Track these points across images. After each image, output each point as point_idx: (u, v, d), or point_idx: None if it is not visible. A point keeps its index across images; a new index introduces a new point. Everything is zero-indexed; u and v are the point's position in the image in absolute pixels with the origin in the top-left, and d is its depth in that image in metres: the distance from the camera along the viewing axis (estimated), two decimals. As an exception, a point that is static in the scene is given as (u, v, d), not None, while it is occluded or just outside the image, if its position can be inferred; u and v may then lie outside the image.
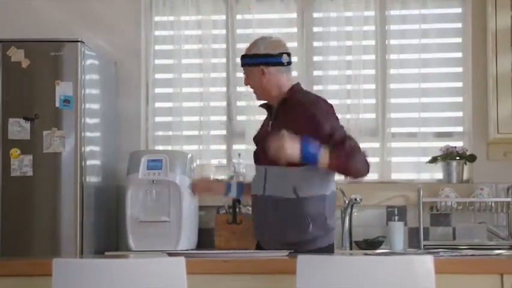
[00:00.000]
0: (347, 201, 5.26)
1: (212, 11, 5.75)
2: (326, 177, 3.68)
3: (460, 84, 5.63)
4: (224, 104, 5.74)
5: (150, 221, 5.07)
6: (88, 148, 5.06)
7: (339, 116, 5.45)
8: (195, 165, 5.40)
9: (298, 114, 3.66)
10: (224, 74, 5.74)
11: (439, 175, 5.55)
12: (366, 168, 3.64)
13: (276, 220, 3.66)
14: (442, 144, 5.48)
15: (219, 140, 5.75)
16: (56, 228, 4.93)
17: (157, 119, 5.79)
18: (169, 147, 5.66)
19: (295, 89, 3.80)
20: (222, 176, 5.62)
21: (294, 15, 5.73)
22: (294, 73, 5.61)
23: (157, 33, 5.81)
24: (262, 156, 3.73)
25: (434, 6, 5.62)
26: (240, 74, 3.88)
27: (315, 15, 5.72)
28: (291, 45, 5.66)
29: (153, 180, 5.10)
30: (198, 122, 5.73)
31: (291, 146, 3.45)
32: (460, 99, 5.62)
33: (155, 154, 5.19)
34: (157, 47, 5.80)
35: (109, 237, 5.43)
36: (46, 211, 4.93)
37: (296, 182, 3.63)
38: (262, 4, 5.75)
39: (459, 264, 2.94)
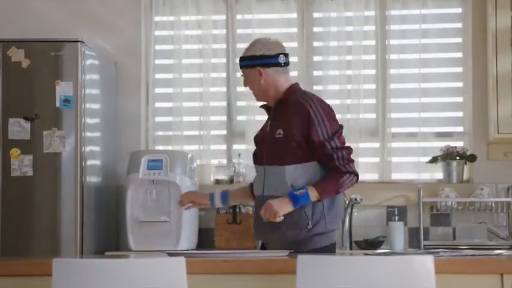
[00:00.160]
0: (347, 201, 5.26)
1: (212, 11, 5.75)
2: (322, 173, 3.69)
3: (460, 84, 5.63)
4: (224, 104, 5.74)
5: (150, 221, 5.07)
6: (88, 148, 5.06)
7: (339, 116, 5.51)
8: (195, 165, 5.40)
9: (293, 113, 3.69)
10: (224, 74, 5.74)
11: (439, 175, 5.55)
12: (354, 179, 3.70)
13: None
14: (442, 144, 5.48)
15: (219, 140, 5.75)
16: (56, 228, 4.93)
17: (158, 119, 5.79)
18: (170, 147, 5.66)
19: (293, 88, 3.81)
20: (223, 176, 5.62)
21: (294, 15, 5.73)
22: (294, 73, 5.65)
23: (157, 33, 5.81)
24: (260, 156, 3.75)
25: (435, 6, 5.62)
26: (240, 74, 3.89)
27: (315, 15, 5.72)
28: (291, 45, 5.69)
29: (153, 180, 5.10)
30: (198, 122, 5.73)
31: (281, 208, 3.59)
32: (460, 99, 5.62)
33: (155, 154, 5.19)
34: (157, 47, 5.80)
35: (109, 237, 5.43)
36: (46, 211, 4.93)
37: (293, 180, 3.65)
38: (262, 4, 5.75)
39: (459, 264, 2.94)
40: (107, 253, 5.09)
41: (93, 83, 5.23)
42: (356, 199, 5.22)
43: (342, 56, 5.64)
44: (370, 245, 5.26)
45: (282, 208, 3.60)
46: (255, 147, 3.89)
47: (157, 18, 5.80)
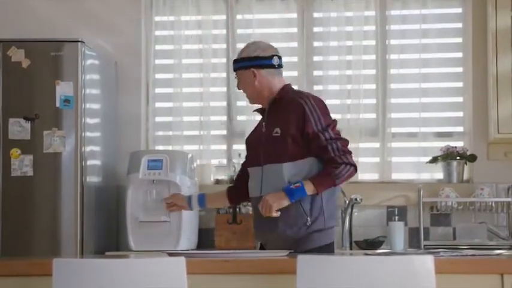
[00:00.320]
0: (347, 201, 5.26)
1: (212, 11, 5.76)
2: (320, 169, 3.69)
3: (460, 84, 5.63)
4: (224, 104, 5.74)
5: (150, 221, 5.07)
6: (88, 148, 5.06)
7: (339, 116, 5.53)
8: (195, 165, 5.40)
9: (290, 111, 3.72)
10: (224, 74, 5.74)
11: (439, 175, 5.55)
12: (352, 170, 3.69)
13: (274, 218, 3.66)
14: (442, 144, 5.48)
15: (219, 140, 5.75)
16: (56, 228, 4.93)
17: (158, 119, 5.79)
18: (170, 147, 5.66)
19: (287, 88, 3.86)
20: (223, 176, 5.62)
21: (294, 15, 5.73)
22: (294, 73, 5.66)
23: (157, 33, 5.81)
24: (256, 157, 3.77)
25: (435, 6, 5.62)
26: (234, 77, 3.91)
27: (315, 15, 5.72)
28: (291, 45, 5.70)
29: (154, 180, 5.10)
30: (198, 122, 5.73)
31: (276, 201, 3.60)
32: (460, 99, 5.62)
33: (155, 154, 5.19)
34: (157, 47, 5.80)
35: (109, 237, 5.43)
36: (46, 211, 4.93)
37: (291, 177, 3.66)
38: (262, 4, 5.75)
39: (459, 264, 2.94)
40: (107, 253, 5.09)
41: (93, 83, 5.23)
42: (356, 199, 5.22)
43: (342, 56, 5.64)
44: (370, 245, 5.26)
45: (278, 202, 3.60)
46: (249, 150, 3.92)
47: (157, 18, 5.80)
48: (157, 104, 5.80)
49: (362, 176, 5.56)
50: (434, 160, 5.45)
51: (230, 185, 4.21)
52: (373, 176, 5.60)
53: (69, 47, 5.00)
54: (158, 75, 5.82)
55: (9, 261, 3.17)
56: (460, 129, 5.62)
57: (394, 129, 5.61)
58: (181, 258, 2.77)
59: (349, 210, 5.26)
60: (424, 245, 5.18)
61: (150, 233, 5.07)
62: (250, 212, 5.16)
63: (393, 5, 5.64)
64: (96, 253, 5.11)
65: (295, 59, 5.70)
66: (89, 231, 5.04)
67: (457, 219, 5.43)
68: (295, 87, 5.51)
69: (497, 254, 3.54)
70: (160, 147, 5.71)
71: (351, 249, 5.23)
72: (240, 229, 5.25)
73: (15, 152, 4.94)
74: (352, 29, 5.65)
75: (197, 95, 5.75)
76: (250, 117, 5.60)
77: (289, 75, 5.67)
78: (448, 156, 5.42)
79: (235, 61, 3.86)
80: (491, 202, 5.34)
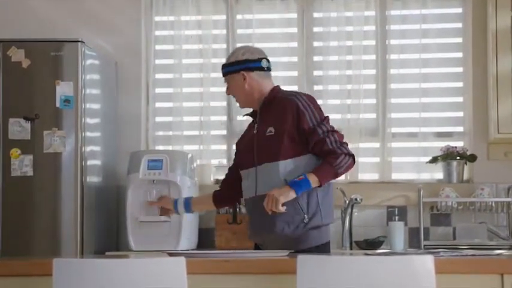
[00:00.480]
0: (347, 201, 5.26)
1: (212, 11, 5.75)
2: (316, 166, 3.70)
3: (460, 84, 5.63)
4: (224, 104, 5.74)
5: (151, 221, 5.06)
6: (88, 148, 5.06)
7: (339, 116, 5.54)
8: (195, 165, 5.40)
9: (283, 109, 3.73)
10: (224, 74, 5.74)
11: (439, 175, 5.55)
12: (351, 161, 3.71)
13: (271, 217, 3.66)
14: (442, 144, 5.48)
15: (219, 140, 5.75)
16: (56, 228, 4.93)
17: (158, 119, 5.79)
18: (170, 147, 5.66)
19: (276, 89, 3.89)
20: (223, 176, 5.60)
21: (294, 15, 5.73)
22: (294, 73, 5.66)
23: (157, 33, 5.81)
24: (249, 159, 3.77)
25: (435, 6, 5.62)
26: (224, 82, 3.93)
27: (315, 15, 5.72)
28: (291, 45, 5.70)
29: (154, 180, 5.10)
30: (198, 122, 5.73)
31: (282, 195, 3.60)
32: (460, 99, 5.62)
33: (155, 154, 5.18)
34: (157, 47, 5.80)
35: (109, 237, 5.43)
36: (46, 211, 4.93)
37: (287, 174, 3.67)
38: (262, 4, 5.75)
39: (459, 264, 2.94)
40: (107, 253, 5.09)
41: (94, 83, 5.23)
42: (356, 199, 5.22)
43: (342, 56, 5.64)
44: (371, 245, 5.26)
45: (284, 195, 3.60)
46: (240, 154, 3.93)
47: (157, 18, 5.80)
48: (158, 104, 5.80)
49: (362, 176, 5.57)
50: (434, 160, 5.45)
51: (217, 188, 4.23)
52: (373, 176, 5.60)
53: (69, 47, 5.00)
54: (158, 75, 5.82)
55: (9, 261, 3.17)
56: (460, 129, 5.62)
57: (394, 129, 5.61)
58: (182, 258, 2.77)
59: (349, 210, 5.26)
60: (424, 245, 5.18)
61: (150, 233, 5.07)
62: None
63: (393, 5, 5.64)
64: (96, 253, 5.11)
65: (295, 59, 5.70)
66: (89, 231, 5.04)
67: (457, 219, 5.43)
68: (295, 87, 5.58)
69: (497, 254, 3.54)
70: (161, 147, 5.71)
71: (351, 249, 5.23)
72: (240, 229, 5.25)
73: (15, 152, 4.94)
74: (352, 29, 5.65)
75: (197, 95, 5.75)
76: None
77: (289, 75, 5.69)
78: (448, 156, 5.42)
79: (224, 66, 3.89)
80: (491, 202, 5.34)
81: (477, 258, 3.04)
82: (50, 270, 2.74)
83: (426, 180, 5.55)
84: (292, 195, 3.61)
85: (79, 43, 5.02)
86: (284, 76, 5.67)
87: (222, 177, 5.58)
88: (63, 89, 4.97)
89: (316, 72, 5.70)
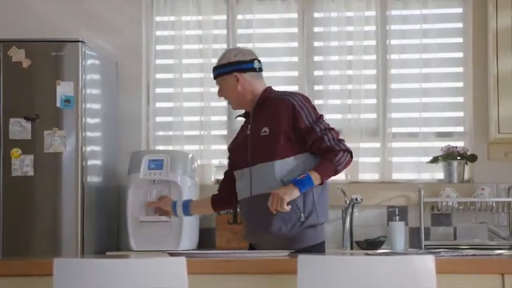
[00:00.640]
0: (348, 201, 5.26)
1: (213, 11, 5.76)
2: (312, 165, 3.70)
3: (460, 84, 5.63)
4: (225, 104, 5.72)
5: (151, 221, 5.06)
6: (89, 148, 5.06)
7: (340, 116, 5.54)
8: (195, 165, 5.40)
9: (277, 108, 3.73)
10: (225, 74, 5.73)
11: (440, 175, 5.55)
12: (349, 157, 3.72)
13: (268, 216, 3.67)
14: (443, 144, 5.49)
15: (219, 140, 5.75)
16: (56, 228, 4.93)
17: (158, 119, 5.79)
18: (170, 147, 5.66)
19: (269, 90, 3.88)
20: (223, 176, 5.61)
21: (295, 15, 5.73)
22: (294, 73, 5.66)
23: (158, 33, 5.81)
24: (243, 159, 3.77)
25: (435, 6, 5.62)
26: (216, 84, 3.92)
27: (316, 15, 5.72)
28: (292, 45, 5.70)
29: (154, 180, 5.10)
30: (198, 122, 5.73)
31: (287, 193, 3.59)
32: (460, 99, 5.62)
33: (156, 154, 5.18)
34: (158, 47, 5.80)
35: (110, 237, 5.43)
36: (47, 211, 4.93)
37: (283, 174, 3.67)
38: (263, 4, 5.75)
39: (460, 264, 2.94)
40: (107, 253, 5.09)
41: (94, 83, 5.23)
42: (357, 199, 5.22)
43: (343, 56, 5.64)
44: (371, 245, 5.26)
45: (289, 194, 3.59)
46: (234, 155, 3.92)
47: (158, 18, 5.80)
48: (158, 104, 5.80)
49: (362, 176, 5.57)
50: (434, 160, 5.45)
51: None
52: (374, 176, 5.60)
53: (70, 47, 5.00)
54: (159, 75, 5.82)
55: (9, 261, 3.17)
56: (461, 129, 5.62)
57: (394, 129, 5.61)
58: (182, 258, 2.77)
59: (350, 210, 5.26)
60: (425, 245, 5.18)
61: (150, 233, 5.07)
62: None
63: (394, 5, 5.64)
64: (96, 253, 5.11)
65: (295, 59, 5.71)
66: (90, 231, 5.04)
67: (457, 219, 5.43)
68: (295, 87, 5.58)
69: (498, 254, 3.54)
70: (161, 147, 5.71)
71: (351, 249, 5.23)
72: (241, 229, 5.22)
73: (15, 152, 4.94)
74: (353, 29, 5.65)
75: (197, 95, 5.75)
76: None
77: (290, 75, 5.69)
78: (448, 156, 5.42)
79: (216, 68, 3.87)
80: (492, 202, 5.34)
81: (478, 258, 3.03)
82: (51, 270, 2.74)
83: (427, 180, 5.55)
84: (296, 193, 3.61)
85: (79, 43, 5.02)
86: (284, 76, 5.67)
87: (222, 177, 5.62)
88: (63, 89, 4.97)
89: (316, 72, 5.70)
